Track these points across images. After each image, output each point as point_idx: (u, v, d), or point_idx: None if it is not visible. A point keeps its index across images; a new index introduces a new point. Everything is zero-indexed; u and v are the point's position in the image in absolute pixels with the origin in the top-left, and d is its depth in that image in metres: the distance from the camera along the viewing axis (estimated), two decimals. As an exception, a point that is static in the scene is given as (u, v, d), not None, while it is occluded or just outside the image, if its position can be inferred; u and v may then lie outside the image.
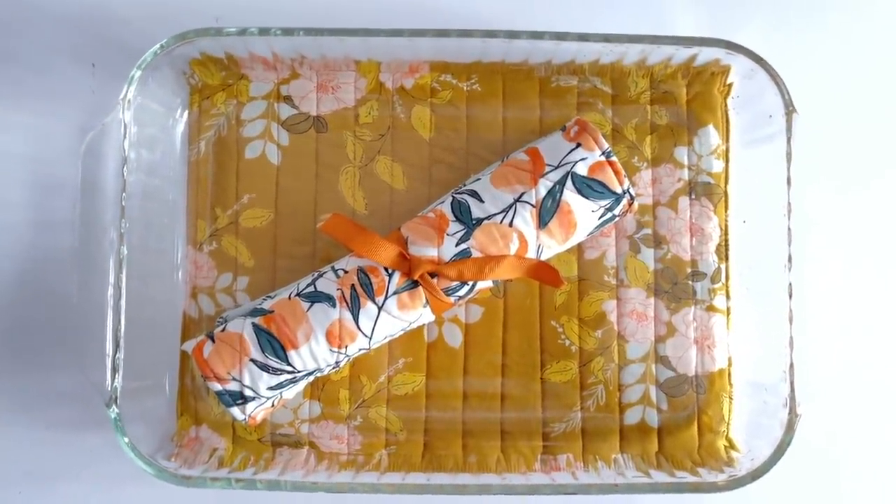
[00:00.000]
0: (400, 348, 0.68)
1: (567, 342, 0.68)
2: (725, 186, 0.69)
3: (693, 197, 0.68)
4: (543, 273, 0.62)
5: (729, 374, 0.67)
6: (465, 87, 0.69)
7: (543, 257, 0.63)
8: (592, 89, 0.69)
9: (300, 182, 0.68)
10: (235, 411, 0.60)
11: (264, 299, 0.63)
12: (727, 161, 0.69)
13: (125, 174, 0.61)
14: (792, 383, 0.60)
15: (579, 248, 0.68)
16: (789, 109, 0.62)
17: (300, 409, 0.67)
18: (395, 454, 0.66)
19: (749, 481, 0.59)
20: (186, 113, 0.68)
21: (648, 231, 0.68)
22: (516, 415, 0.67)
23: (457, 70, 0.69)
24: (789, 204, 0.62)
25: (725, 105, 0.69)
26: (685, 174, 0.69)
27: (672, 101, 0.69)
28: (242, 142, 0.69)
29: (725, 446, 0.66)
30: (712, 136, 0.69)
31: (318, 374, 0.63)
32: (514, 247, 0.61)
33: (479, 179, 0.64)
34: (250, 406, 0.60)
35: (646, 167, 0.69)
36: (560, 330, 0.68)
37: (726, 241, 0.68)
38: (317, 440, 0.67)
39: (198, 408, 0.67)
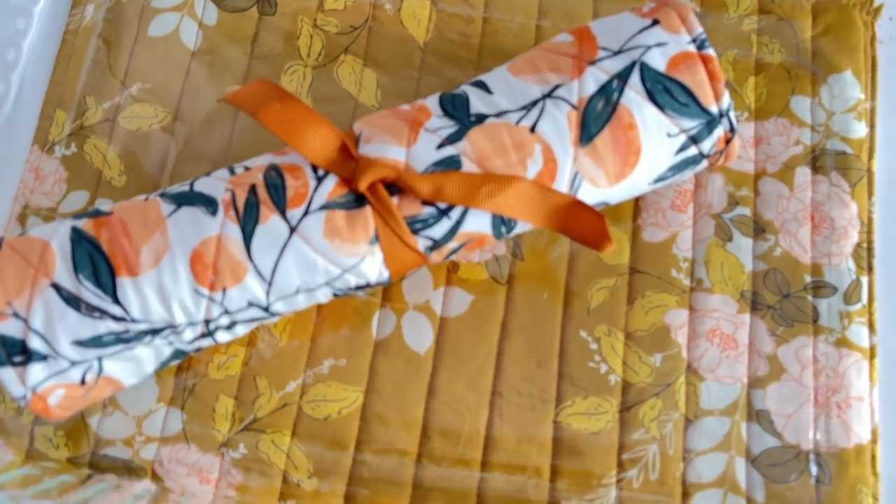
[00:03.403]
0: (329, 341, 0.41)
1: (603, 368, 0.41)
2: (870, 162, 0.44)
3: (818, 170, 0.44)
4: (579, 219, 0.37)
5: (874, 457, 0.40)
6: (485, -22, 0.47)
7: (580, 197, 0.38)
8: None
9: (222, 77, 0.45)
10: (7, 376, 0.34)
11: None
12: (873, 125, 0.44)
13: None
14: None
15: (635, 225, 0.43)
16: None
17: (149, 418, 0.40)
18: (291, 514, 0.38)
19: None
20: (73, -44, 0.47)
21: (746, 211, 0.43)
22: (506, 478, 0.39)
23: (477, -49, 0.47)
24: None
25: (872, 37, 0.45)
26: (807, 136, 0.44)
27: (790, 32, 0.46)
28: (150, 13, 0.46)
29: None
30: (850, 86, 0.45)
31: (174, 346, 0.36)
32: (534, 166, 0.36)
33: (490, 72, 0.40)
34: (37, 371, 0.34)
35: (746, 118, 0.45)
36: (594, 347, 0.41)
37: (871, 242, 0.43)
38: (165, 472, 0.39)
39: (-17, 395, 0.41)
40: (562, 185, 0.37)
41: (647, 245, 0.43)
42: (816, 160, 0.44)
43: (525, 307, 0.42)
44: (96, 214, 0.36)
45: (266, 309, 0.36)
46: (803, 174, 0.44)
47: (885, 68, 0.45)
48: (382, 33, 0.46)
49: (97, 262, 0.34)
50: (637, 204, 0.43)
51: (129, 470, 0.39)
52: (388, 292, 0.42)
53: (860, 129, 0.44)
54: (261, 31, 0.46)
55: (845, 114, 0.45)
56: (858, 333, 0.41)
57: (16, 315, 0.33)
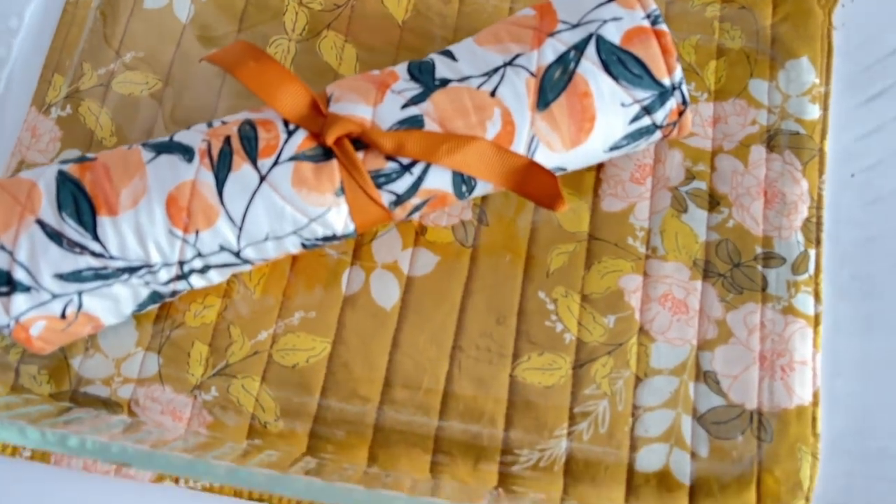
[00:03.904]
0: (300, 295, 0.44)
1: (559, 327, 0.43)
2: (822, 142, 0.46)
3: (772, 148, 0.46)
4: (534, 180, 0.39)
5: (814, 418, 0.41)
6: (463, -38, 0.50)
7: (537, 160, 0.40)
8: (640, -12, 0.49)
9: (211, 48, 0.48)
10: (-7, 305, 0.36)
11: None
12: (826, 108, 0.47)
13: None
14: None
15: (595, 195, 0.45)
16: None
17: (127, 361, 0.43)
18: (258, 449, 0.40)
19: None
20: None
21: (702, 185, 0.45)
22: (462, 427, 0.42)
23: (455, -64, 0.50)
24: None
25: (829, 26, 0.48)
26: (763, 117, 0.47)
27: (750, 19, 0.49)
28: (146, -14, 0.49)
29: (805, 520, 0.39)
30: (806, 71, 0.47)
31: (151, 287, 0.39)
32: (493, 128, 0.39)
33: (457, 43, 0.42)
34: (20, 302, 0.36)
35: (706, 99, 0.47)
36: (551, 307, 0.43)
37: (819, 217, 0.45)
38: (140, 409, 0.42)
39: (-27, 334, 0.43)
40: (519, 147, 0.39)
41: (605, 214, 0.45)
42: (771, 139, 0.46)
43: (488, 269, 0.44)
44: (82, 160, 0.38)
45: (237, 255, 0.39)
46: (758, 152, 0.46)
47: (838, 52, 0.47)
48: (364, 11, 0.49)
49: (80, 202, 0.36)
50: (598, 176, 0.46)
51: (107, 405, 0.41)
52: (358, 251, 0.44)
53: (814, 112, 0.46)
54: (249, 6, 0.49)
55: (800, 97, 0.47)
56: (804, 302, 0.43)
57: (2, 248, 0.36)
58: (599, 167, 0.46)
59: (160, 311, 0.43)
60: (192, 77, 0.47)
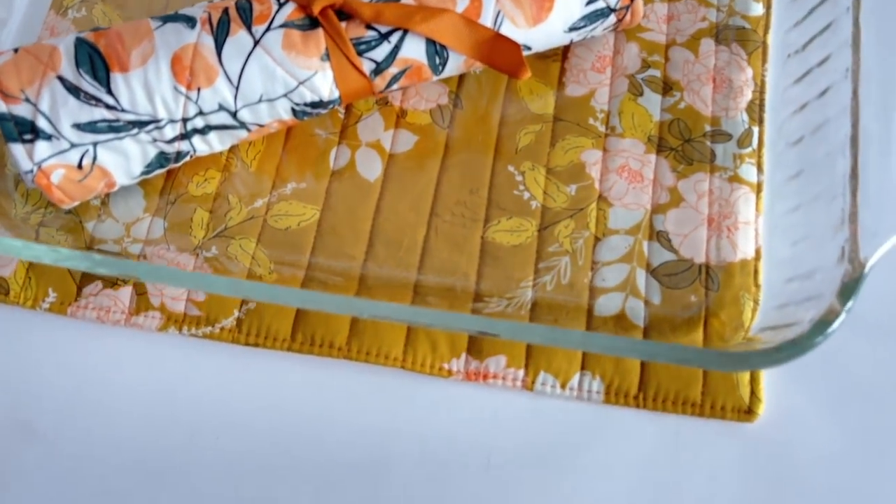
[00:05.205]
0: (293, 169, 0.48)
1: (526, 195, 0.48)
2: (765, 36, 0.51)
3: (721, 41, 0.51)
4: (500, 50, 0.44)
5: (756, 271, 0.46)
6: None
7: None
8: None
9: (212, -42, 0.53)
10: (19, 152, 0.41)
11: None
12: (769, 7, 0.52)
13: None
14: (854, 192, 0.38)
15: (560, 83, 0.50)
16: None
17: (136, 224, 0.47)
18: (251, 296, 0.45)
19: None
20: None
21: (657, 73, 0.50)
22: (438, 279, 0.46)
23: None
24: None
25: (771, -67, 0.53)
26: (712, 14, 0.51)
27: (702, -69, 0.53)
28: None
29: (742, 344, 0.43)
30: (751, -25, 0.52)
31: (158, 146, 0.43)
32: (462, 2, 0.44)
33: (432, -61, 0.47)
34: (42, 148, 0.41)
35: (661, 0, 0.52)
36: (519, 178, 0.48)
37: (762, 99, 0.49)
38: (148, 263, 0.46)
39: (-4, 203, 0.48)
40: (486, 20, 0.44)
41: (569, 98, 0.50)
42: (719, 34, 0.51)
43: (462, 147, 0.49)
44: (97, 29, 0.43)
45: (234, 115, 0.43)
46: (707, 44, 0.51)
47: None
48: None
49: (95, 61, 0.41)
50: (562, 66, 0.51)
51: (117, 253, 0.46)
52: (344, 132, 0.49)
53: (758, 9, 0.51)
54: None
55: (746, -3, 0.52)
56: (748, 172, 0.48)
57: (27, 100, 0.41)
58: (564, 58, 0.51)
59: (166, 183, 0.48)
60: (195, -16, 0.52)
